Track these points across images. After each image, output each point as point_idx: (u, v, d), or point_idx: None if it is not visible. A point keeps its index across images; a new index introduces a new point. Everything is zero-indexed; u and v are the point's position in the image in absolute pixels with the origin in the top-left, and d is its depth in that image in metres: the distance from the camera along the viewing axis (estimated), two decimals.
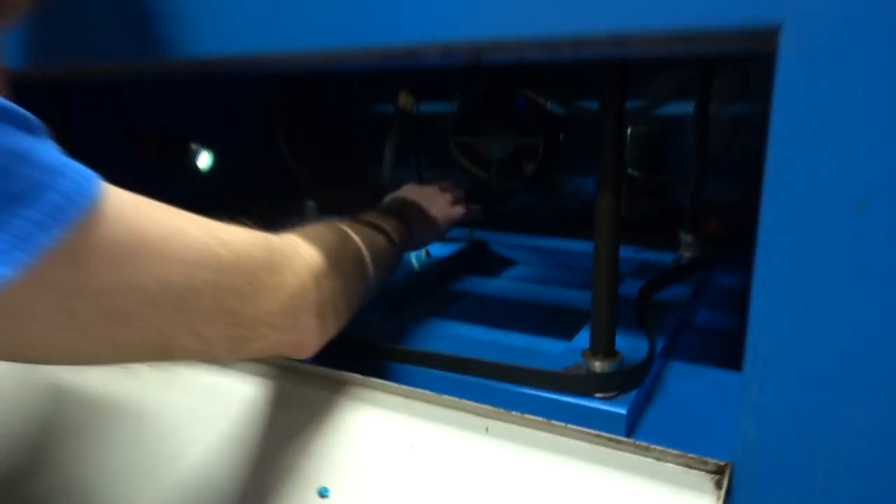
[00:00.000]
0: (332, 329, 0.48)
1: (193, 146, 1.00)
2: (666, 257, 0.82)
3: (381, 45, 0.45)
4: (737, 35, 0.35)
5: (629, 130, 0.93)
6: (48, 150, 0.30)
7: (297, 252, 0.45)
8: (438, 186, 0.85)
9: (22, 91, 0.58)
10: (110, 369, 0.62)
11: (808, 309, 0.36)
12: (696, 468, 0.42)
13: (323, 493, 0.47)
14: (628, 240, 0.90)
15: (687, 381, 0.58)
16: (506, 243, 0.94)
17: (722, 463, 0.41)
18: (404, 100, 0.99)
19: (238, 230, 0.42)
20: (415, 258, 0.87)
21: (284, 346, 0.45)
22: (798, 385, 0.37)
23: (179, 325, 0.36)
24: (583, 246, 0.89)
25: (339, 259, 0.49)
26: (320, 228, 0.52)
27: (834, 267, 0.35)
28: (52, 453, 0.58)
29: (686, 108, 0.80)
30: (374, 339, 0.59)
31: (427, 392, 0.48)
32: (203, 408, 0.56)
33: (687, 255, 0.80)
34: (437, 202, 0.79)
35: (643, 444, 0.43)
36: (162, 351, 0.37)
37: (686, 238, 0.80)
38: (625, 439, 0.43)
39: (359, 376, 0.51)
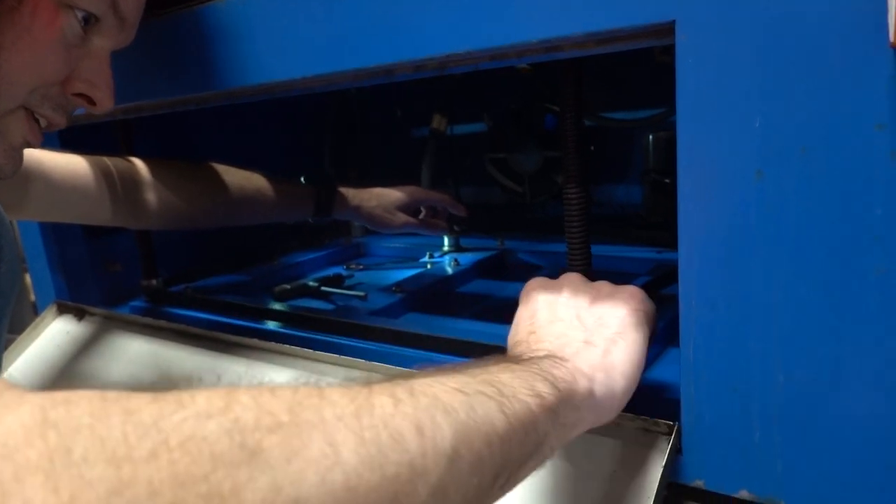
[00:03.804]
0: None
1: None
2: None
3: (366, 67, 0.52)
4: (644, 32, 0.40)
5: (650, 137, 0.96)
6: None
7: None
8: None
9: (94, 126, 0.69)
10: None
11: (725, 271, 0.39)
12: (651, 430, 0.45)
13: None
14: (651, 241, 0.92)
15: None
16: (535, 250, 0.99)
17: (671, 423, 0.44)
18: (438, 122, 1.07)
19: None
20: (447, 264, 0.93)
21: None
22: (725, 343, 0.40)
23: None
24: (608, 249, 0.92)
25: None
26: None
27: (744, 230, 0.38)
28: None
29: None
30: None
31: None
32: None
33: None
34: None
35: None
36: None
37: None
38: None
39: (361, 361, 0.58)
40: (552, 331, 0.45)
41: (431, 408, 0.28)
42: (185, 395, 0.23)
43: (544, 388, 0.35)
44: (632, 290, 0.47)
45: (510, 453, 0.31)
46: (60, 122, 0.51)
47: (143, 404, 0.22)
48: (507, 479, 0.32)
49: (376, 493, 0.24)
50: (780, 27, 0.35)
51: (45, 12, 0.46)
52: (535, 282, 0.50)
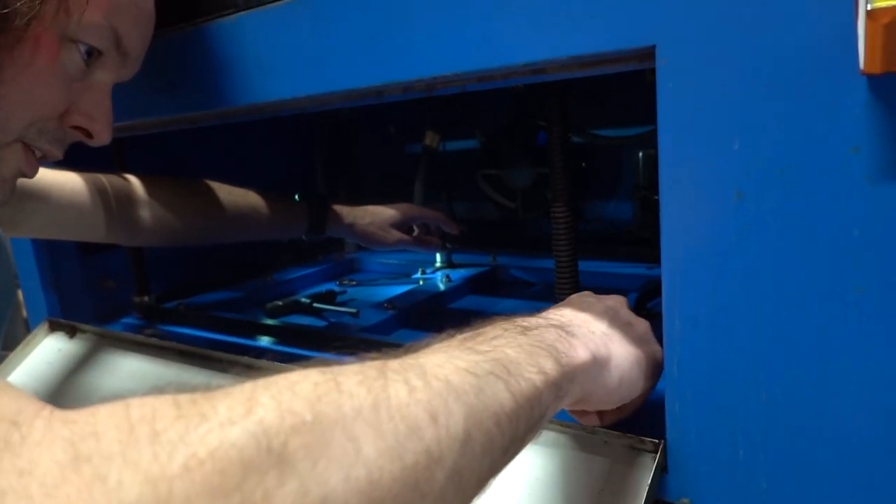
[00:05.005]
0: None
1: None
2: None
3: (355, 88, 0.53)
4: (625, 56, 0.41)
5: (640, 154, 0.97)
6: None
7: None
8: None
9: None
10: None
11: (707, 289, 0.40)
12: (637, 447, 0.45)
13: None
14: (641, 257, 0.93)
15: None
16: (527, 266, 0.99)
17: (656, 441, 0.44)
18: (430, 138, 1.08)
19: None
20: (439, 280, 0.94)
21: None
22: (708, 361, 0.41)
23: None
24: (598, 266, 0.93)
25: None
26: None
27: (725, 249, 0.39)
28: None
29: None
30: None
31: None
32: None
33: None
34: None
35: (590, 427, 0.47)
36: None
37: None
38: (573, 424, 0.47)
39: None
40: (577, 314, 0.45)
41: (444, 392, 0.29)
42: (206, 406, 0.23)
43: (548, 364, 0.35)
44: (660, 350, 0.47)
45: (517, 430, 0.32)
46: (57, 154, 0.51)
47: (169, 423, 0.22)
48: (514, 453, 0.33)
49: (398, 484, 0.25)
50: (757, 53, 0.35)
51: (46, 48, 0.45)
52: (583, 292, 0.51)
